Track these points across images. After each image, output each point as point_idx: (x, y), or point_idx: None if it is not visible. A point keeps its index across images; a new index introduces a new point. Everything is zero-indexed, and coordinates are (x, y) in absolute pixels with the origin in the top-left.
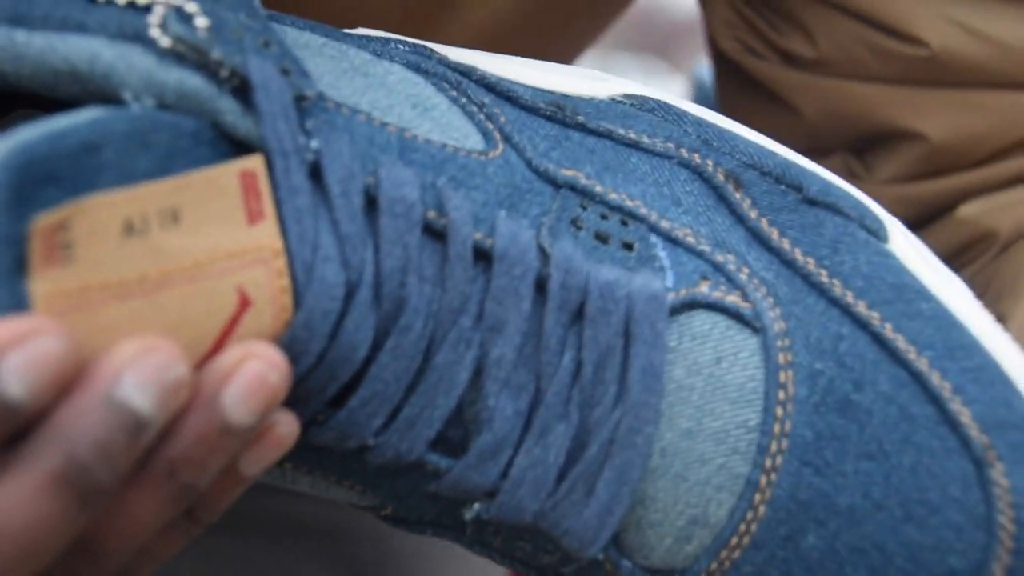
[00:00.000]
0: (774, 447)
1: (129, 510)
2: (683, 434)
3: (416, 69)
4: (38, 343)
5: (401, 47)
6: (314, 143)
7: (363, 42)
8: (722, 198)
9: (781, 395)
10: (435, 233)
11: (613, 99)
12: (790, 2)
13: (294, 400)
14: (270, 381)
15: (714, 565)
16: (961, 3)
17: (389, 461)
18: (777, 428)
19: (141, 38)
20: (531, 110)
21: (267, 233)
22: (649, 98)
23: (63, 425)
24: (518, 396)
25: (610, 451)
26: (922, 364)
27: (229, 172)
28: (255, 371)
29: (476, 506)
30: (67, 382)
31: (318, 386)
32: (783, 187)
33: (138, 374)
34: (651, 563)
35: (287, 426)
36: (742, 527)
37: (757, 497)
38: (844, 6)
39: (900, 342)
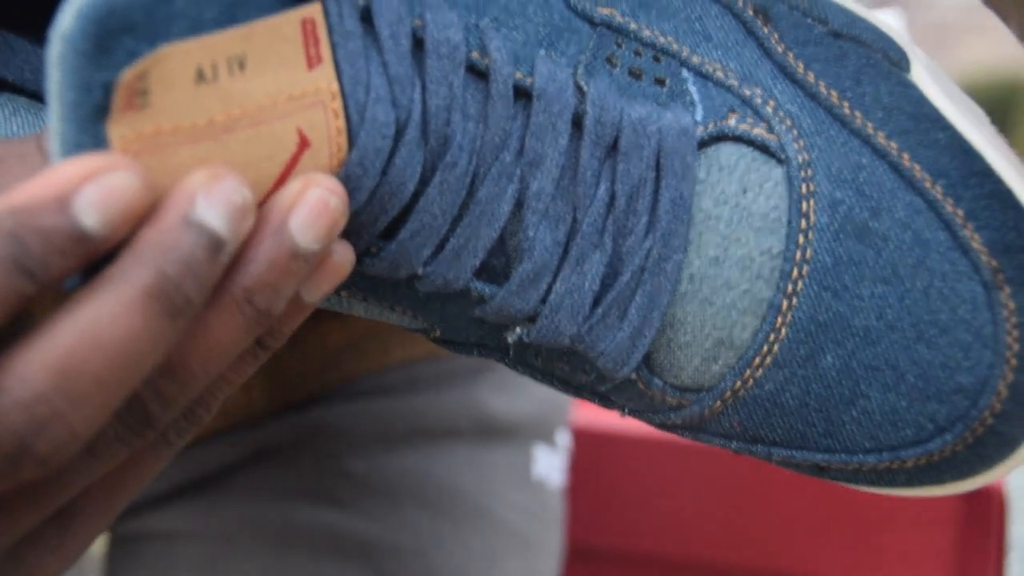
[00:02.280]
0: (795, 273)
1: (211, 334)
2: (710, 261)
3: None
4: (112, 177)
5: None
6: None
7: None
8: (751, 32)
9: (803, 223)
10: (478, 73)
11: None
12: None
13: (349, 233)
14: (331, 206)
15: (738, 383)
16: None
17: (437, 288)
18: (798, 255)
19: None
20: None
21: (324, 77)
22: None
23: (149, 245)
24: (556, 227)
25: (641, 278)
26: (936, 192)
27: (291, 19)
28: (318, 197)
29: (518, 330)
30: (139, 214)
31: (370, 219)
32: (809, 20)
33: (210, 197)
34: (680, 382)
35: (343, 255)
36: (765, 348)
37: (779, 320)
38: None
39: (916, 171)
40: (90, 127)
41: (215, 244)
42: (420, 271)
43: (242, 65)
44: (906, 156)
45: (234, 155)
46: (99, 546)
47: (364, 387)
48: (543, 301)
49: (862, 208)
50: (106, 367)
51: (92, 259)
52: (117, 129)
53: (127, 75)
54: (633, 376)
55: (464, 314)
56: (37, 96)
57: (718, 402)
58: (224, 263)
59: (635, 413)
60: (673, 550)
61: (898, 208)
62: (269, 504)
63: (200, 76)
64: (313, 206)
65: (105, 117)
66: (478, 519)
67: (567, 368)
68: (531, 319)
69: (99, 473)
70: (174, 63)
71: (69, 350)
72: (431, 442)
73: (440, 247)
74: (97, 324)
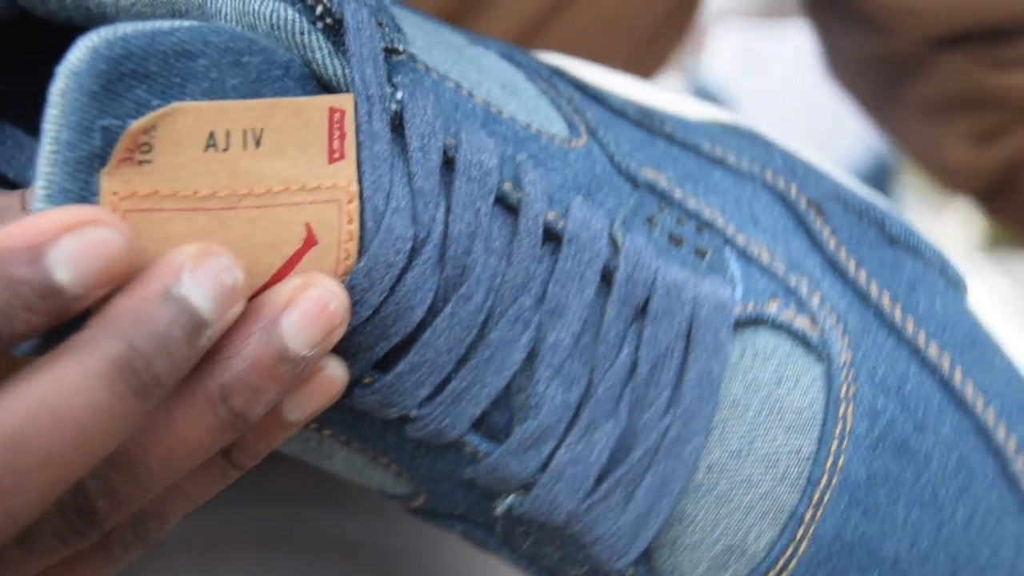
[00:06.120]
0: (824, 481)
1: (178, 429)
2: (732, 453)
3: (509, 59)
4: (95, 232)
5: (495, 42)
6: (399, 95)
7: (459, 29)
8: (802, 223)
9: (839, 428)
10: (508, 206)
11: (702, 121)
12: None
13: (344, 354)
14: (331, 310)
15: None
16: None
17: (429, 435)
18: (830, 461)
19: None
20: (619, 113)
21: (344, 175)
22: (739, 125)
23: (123, 314)
24: (569, 386)
25: (655, 458)
26: (988, 416)
27: (319, 106)
28: (317, 298)
29: (510, 498)
30: (119, 277)
31: (369, 342)
32: (865, 222)
33: (198, 273)
34: None
35: (336, 371)
36: (780, 562)
37: (800, 532)
38: None
39: (968, 391)
40: (82, 174)
41: (195, 324)
42: (414, 412)
43: (258, 141)
44: (959, 372)
45: (233, 235)
46: None
47: None
48: (543, 468)
49: (905, 421)
50: (59, 442)
51: (60, 320)
52: (111, 182)
53: (133, 125)
54: (630, 572)
55: (454, 474)
56: None
57: None
58: (203, 347)
59: None
60: None
61: (945, 427)
62: (264, 509)
63: (211, 143)
64: (311, 307)
65: (100, 166)
66: None
67: (557, 556)
68: (527, 487)
69: (27, 573)
70: (186, 123)
71: (21, 419)
72: None
73: (440, 388)
74: (56, 393)
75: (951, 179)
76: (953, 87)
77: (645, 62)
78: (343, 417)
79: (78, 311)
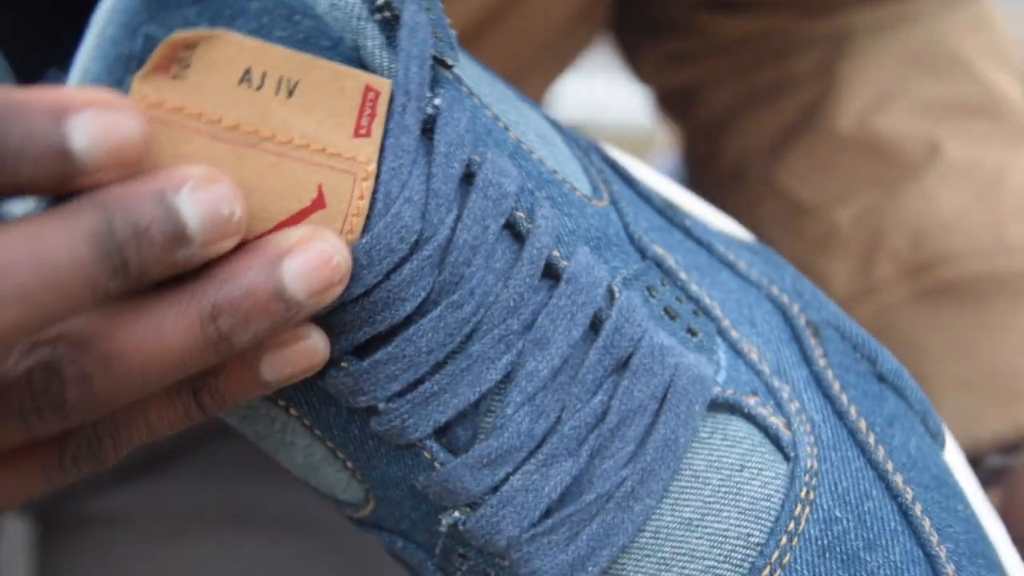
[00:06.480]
0: (767, 572)
1: (163, 335)
2: (683, 523)
3: (551, 123)
4: (118, 115)
5: (541, 108)
6: (437, 101)
7: (511, 87)
8: (797, 338)
9: (791, 526)
10: (516, 234)
11: (722, 231)
12: None
13: (328, 331)
14: (333, 264)
15: None
16: None
17: (391, 432)
18: (776, 555)
19: None
20: (644, 197)
21: (365, 152)
22: (757, 245)
23: (112, 197)
24: (537, 417)
25: (605, 506)
26: (941, 552)
27: (357, 78)
28: (322, 249)
29: (456, 514)
30: (128, 165)
31: (355, 324)
32: (858, 355)
33: (198, 192)
34: None
35: (319, 342)
36: None
37: None
38: None
39: (926, 524)
40: (118, 71)
41: (177, 234)
42: (381, 405)
43: (291, 92)
44: (919, 506)
45: (247, 173)
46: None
47: None
48: (495, 490)
49: (858, 536)
50: (37, 283)
51: (59, 190)
52: (143, 86)
53: (177, 37)
54: None
55: (407, 480)
56: None
57: None
58: (179, 262)
59: None
60: None
61: (895, 550)
62: (222, 484)
63: (246, 78)
64: (315, 256)
65: (136, 69)
66: None
67: None
68: (474, 506)
69: None
70: (227, 51)
71: (4, 253)
72: None
73: (412, 387)
74: (40, 240)
75: (644, 82)
76: (671, 15)
77: (580, 36)
78: (311, 399)
79: (78, 188)
